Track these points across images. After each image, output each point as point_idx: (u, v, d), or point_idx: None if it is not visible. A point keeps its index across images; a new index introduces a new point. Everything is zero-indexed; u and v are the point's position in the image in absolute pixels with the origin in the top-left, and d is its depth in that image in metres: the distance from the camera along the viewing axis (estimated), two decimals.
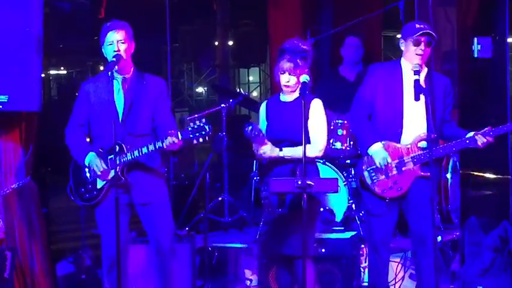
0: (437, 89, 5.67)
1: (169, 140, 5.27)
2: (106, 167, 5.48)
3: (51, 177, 7.65)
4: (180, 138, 5.25)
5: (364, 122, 5.77)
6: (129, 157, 5.44)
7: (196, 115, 7.53)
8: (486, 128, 5.55)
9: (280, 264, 5.72)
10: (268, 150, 5.48)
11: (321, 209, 5.90)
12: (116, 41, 5.48)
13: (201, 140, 5.23)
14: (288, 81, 5.58)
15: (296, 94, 5.62)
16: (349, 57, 7.97)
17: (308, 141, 5.48)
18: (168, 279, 5.76)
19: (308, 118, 5.52)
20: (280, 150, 5.49)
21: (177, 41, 14.04)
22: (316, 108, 5.58)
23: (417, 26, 5.63)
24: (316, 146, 5.54)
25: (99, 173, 5.49)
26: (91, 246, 7.07)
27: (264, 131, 5.60)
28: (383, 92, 5.70)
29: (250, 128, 5.38)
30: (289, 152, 5.47)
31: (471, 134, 5.58)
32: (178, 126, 5.64)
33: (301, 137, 5.26)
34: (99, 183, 5.58)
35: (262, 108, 5.81)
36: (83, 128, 5.67)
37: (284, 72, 5.57)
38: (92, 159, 5.53)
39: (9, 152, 6.31)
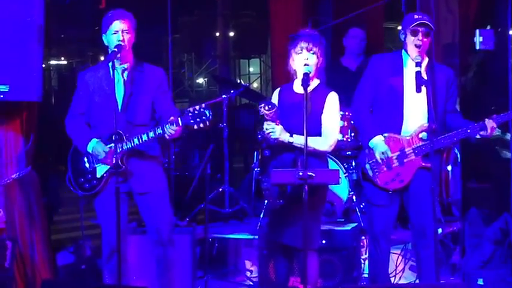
0: (439, 79, 5.66)
1: (170, 126, 5.27)
2: (108, 150, 5.46)
3: (51, 167, 7.64)
4: (180, 124, 5.25)
5: (365, 114, 5.77)
6: (128, 145, 5.44)
7: (196, 107, 7.54)
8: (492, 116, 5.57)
9: (279, 255, 5.70)
10: (278, 131, 5.34)
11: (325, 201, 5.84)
12: (121, 31, 5.46)
13: (201, 125, 5.22)
14: (307, 59, 5.41)
15: (312, 84, 5.48)
16: (352, 48, 7.95)
17: (319, 134, 5.44)
18: (167, 269, 5.77)
19: (322, 112, 5.43)
20: (291, 136, 5.36)
21: (177, 31, 14.03)
22: (332, 103, 5.48)
23: (415, 16, 5.62)
24: (327, 140, 5.44)
25: (103, 155, 5.47)
26: (91, 237, 7.07)
27: None
28: (384, 83, 5.70)
29: (263, 104, 5.30)
30: (299, 140, 5.31)
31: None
32: None
33: (313, 131, 5.26)
34: (99, 172, 5.58)
35: (275, 96, 5.69)
36: (83, 116, 5.67)
37: (301, 51, 5.43)
38: (95, 145, 5.53)
39: (10, 141, 6.30)
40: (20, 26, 5.89)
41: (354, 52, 7.95)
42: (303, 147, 5.19)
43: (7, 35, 5.87)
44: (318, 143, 5.37)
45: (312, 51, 5.43)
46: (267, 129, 5.35)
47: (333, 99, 5.49)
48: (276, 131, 5.34)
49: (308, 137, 5.14)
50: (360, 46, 7.94)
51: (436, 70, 5.71)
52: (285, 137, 5.36)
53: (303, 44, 5.44)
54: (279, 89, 5.74)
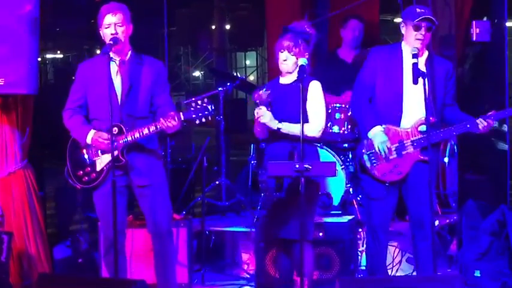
0: (438, 72, 5.66)
1: (172, 120, 5.26)
2: (107, 136, 5.44)
3: (48, 160, 7.62)
4: (182, 119, 5.25)
5: (364, 105, 5.77)
6: (129, 138, 5.43)
7: (193, 98, 7.53)
8: (490, 113, 5.55)
9: (278, 248, 5.72)
10: (268, 116, 5.47)
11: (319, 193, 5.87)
12: (114, 24, 5.45)
13: (203, 120, 5.25)
14: (285, 60, 5.59)
15: (293, 76, 5.60)
16: (350, 40, 7.89)
17: (306, 121, 5.46)
18: (166, 261, 5.76)
19: (306, 100, 5.51)
20: (280, 122, 5.48)
21: (174, 24, 13.99)
22: (315, 90, 5.60)
23: (418, 10, 5.60)
24: (315, 125, 5.54)
25: (105, 142, 5.43)
26: (88, 230, 7.07)
27: None
28: (383, 75, 5.70)
29: (262, 89, 5.51)
30: (287, 127, 5.47)
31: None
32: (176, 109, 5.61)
33: (299, 118, 5.26)
34: (99, 165, 5.56)
35: None
36: (81, 109, 5.65)
37: (283, 50, 5.60)
38: (93, 135, 5.49)
39: (5, 135, 6.29)
40: (14, 18, 5.86)
41: (350, 44, 7.91)
42: (291, 133, 5.41)
43: (2, 28, 5.84)
44: (307, 129, 5.39)
45: (291, 53, 5.59)
46: (257, 113, 5.49)
47: (315, 87, 5.62)
48: (266, 115, 5.47)
49: (296, 124, 5.30)
50: (358, 39, 7.89)
51: (435, 63, 5.71)
52: (274, 123, 5.49)
53: (286, 43, 5.60)
54: (266, 84, 5.92)
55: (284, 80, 5.71)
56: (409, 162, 5.63)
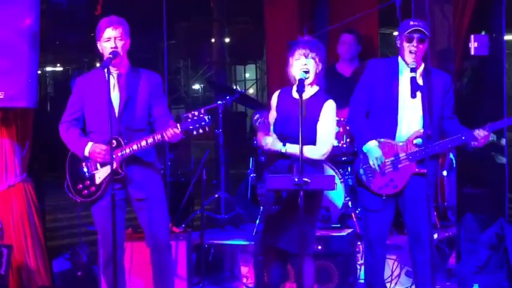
0: (435, 85, 5.66)
1: (170, 132, 5.28)
2: (106, 147, 5.45)
3: (47, 173, 7.64)
4: (180, 130, 5.27)
5: (361, 118, 5.77)
6: (127, 151, 5.44)
7: (192, 112, 7.56)
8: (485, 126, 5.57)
9: (273, 260, 5.69)
10: (270, 142, 5.38)
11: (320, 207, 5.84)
12: (114, 38, 5.47)
13: (200, 130, 5.27)
14: (305, 64, 5.39)
15: (311, 91, 5.51)
16: (344, 53, 7.97)
17: (314, 142, 5.44)
18: (165, 275, 5.76)
19: (318, 120, 5.44)
20: (284, 145, 5.39)
21: (173, 37, 14.03)
22: (328, 111, 5.47)
23: (411, 23, 5.63)
24: (320, 149, 5.45)
25: (103, 153, 5.46)
26: (87, 243, 7.07)
27: (272, 121, 5.56)
28: (379, 88, 5.70)
29: (257, 116, 5.37)
30: (291, 149, 5.34)
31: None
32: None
33: (308, 138, 5.24)
34: (98, 179, 5.57)
35: (274, 97, 5.70)
36: (77, 122, 5.66)
37: (299, 57, 5.42)
38: (90, 147, 5.51)
39: (5, 148, 6.31)
40: (14, 32, 5.89)
41: (345, 58, 7.98)
42: (294, 155, 5.24)
43: (2, 41, 5.87)
44: (311, 152, 5.37)
45: (310, 57, 5.43)
46: (260, 141, 5.41)
47: (329, 108, 5.49)
48: (268, 142, 5.41)
49: (303, 146, 5.12)
50: (350, 50, 7.95)
51: (433, 75, 5.71)
52: (278, 146, 5.39)
53: (301, 51, 5.44)
54: (278, 91, 5.75)
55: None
56: (405, 175, 5.63)
